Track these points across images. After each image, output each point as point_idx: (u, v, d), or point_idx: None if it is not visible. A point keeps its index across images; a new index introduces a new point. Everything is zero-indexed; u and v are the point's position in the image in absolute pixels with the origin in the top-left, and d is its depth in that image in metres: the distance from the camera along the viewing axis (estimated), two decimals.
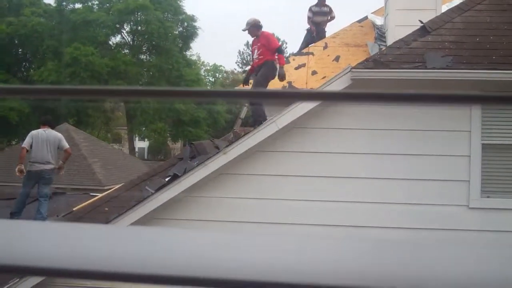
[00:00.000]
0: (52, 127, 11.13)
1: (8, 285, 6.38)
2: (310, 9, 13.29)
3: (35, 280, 6.27)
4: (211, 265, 0.59)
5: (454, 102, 0.63)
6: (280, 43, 9.03)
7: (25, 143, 10.43)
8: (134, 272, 0.58)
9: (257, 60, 9.18)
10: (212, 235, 0.66)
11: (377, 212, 6.33)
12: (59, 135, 10.75)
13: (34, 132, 10.53)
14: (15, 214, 10.06)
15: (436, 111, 6.40)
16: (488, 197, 6.41)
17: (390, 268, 0.59)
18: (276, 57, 9.01)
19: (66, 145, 10.66)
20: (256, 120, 8.22)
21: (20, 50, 43.97)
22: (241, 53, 70.36)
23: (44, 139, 10.29)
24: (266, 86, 8.90)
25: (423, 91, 0.63)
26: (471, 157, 6.40)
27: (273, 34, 9.37)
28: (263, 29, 9.38)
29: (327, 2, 13.40)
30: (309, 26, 13.23)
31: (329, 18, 13.36)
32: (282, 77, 9.10)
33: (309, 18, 13.20)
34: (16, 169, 10.35)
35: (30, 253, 0.60)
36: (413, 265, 0.60)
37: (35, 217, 9.88)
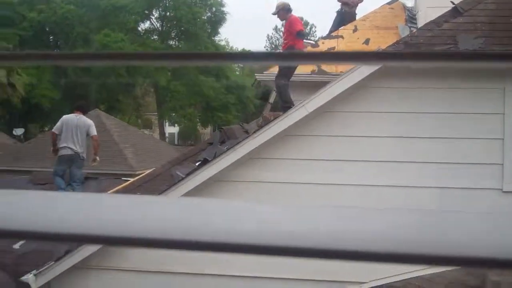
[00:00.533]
0: (85, 113, 11.34)
1: (71, 252, 6.53)
2: None
3: (93, 248, 6.43)
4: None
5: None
6: (303, 27, 8.69)
7: (55, 128, 10.66)
8: (190, 240, 0.59)
9: (283, 45, 9.10)
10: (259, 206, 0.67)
11: (408, 196, 6.29)
12: (90, 121, 10.97)
13: (65, 117, 10.75)
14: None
15: (468, 93, 6.31)
16: None
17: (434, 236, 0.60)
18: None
19: (94, 132, 10.83)
20: (283, 106, 8.21)
21: (51, 37, 44.52)
22: (269, 37, 70.21)
23: (75, 125, 10.47)
24: (289, 73, 8.75)
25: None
26: (505, 140, 6.30)
27: (299, 18, 9.12)
28: (292, 13, 9.25)
29: None
30: (339, 8, 13.10)
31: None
32: None
33: None
34: (51, 151, 10.66)
35: (88, 222, 0.62)
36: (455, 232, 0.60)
37: None
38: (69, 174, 10.57)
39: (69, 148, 10.30)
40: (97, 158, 11.07)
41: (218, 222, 0.61)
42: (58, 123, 10.62)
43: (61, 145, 10.42)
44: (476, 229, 0.61)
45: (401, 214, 0.68)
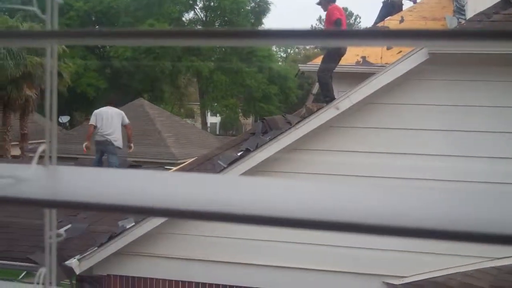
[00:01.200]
0: (116, 106, 12.02)
1: (120, 233, 6.70)
2: None
3: (135, 235, 6.63)
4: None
5: None
6: (343, 15, 8.38)
7: (91, 121, 11.40)
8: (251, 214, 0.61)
9: None
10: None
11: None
12: (121, 111, 11.67)
13: (97, 110, 11.51)
14: None
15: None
16: None
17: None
18: None
19: (127, 121, 11.54)
20: (324, 99, 8.12)
21: (96, 26, 45.14)
22: (313, 27, 69.71)
23: (108, 115, 11.19)
24: (332, 64, 8.59)
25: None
26: None
27: (341, 8, 8.87)
28: (336, 3, 9.09)
29: None
30: None
31: None
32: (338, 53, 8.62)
33: None
34: (84, 146, 11.42)
35: (150, 195, 0.65)
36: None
37: None
38: (107, 162, 11.18)
39: (103, 133, 10.97)
40: (132, 145, 11.83)
41: (266, 198, 0.64)
42: (92, 117, 11.40)
43: (97, 133, 11.12)
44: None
45: (446, 192, 0.71)
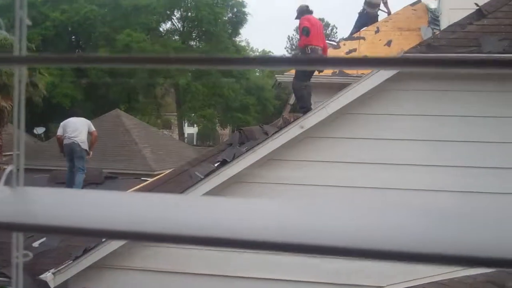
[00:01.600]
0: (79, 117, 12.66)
1: (95, 246, 6.61)
2: None
3: (110, 248, 6.55)
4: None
5: None
6: (310, 24, 8.46)
7: (58, 132, 12.14)
8: (202, 236, 0.61)
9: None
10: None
11: (430, 201, 6.20)
12: (87, 120, 12.37)
13: (63, 122, 12.23)
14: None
15: (491, 95, 6.21)
16: None
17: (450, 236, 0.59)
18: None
19: (93, 128, 12.18)
20: (300, 109, 8.17)
21: (73, 37, 44.94)
22: (290, 38, 70.08)
23: (72, 122, 11.97)
24: (305, 76, 8.67)
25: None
26: None
27: (309, 18, 8.90)
28: (311, 14, 9.17)
29: None
30: (362, 8, 13.03)
31: (384, 4, 13.10)
32: None
33: None
34: (60, 152, 12.16)
35: (108, 218, 0.65)
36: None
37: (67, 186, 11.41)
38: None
39: (68, 138, 11.68)
40: (91, 152, 12.30)
41: (233, 220, 0.63)
42: (59, 128, 12.17)
43: (65, 136, 11.79)
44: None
45: (413, 213, 0.68)
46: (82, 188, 11.72)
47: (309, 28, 8.55)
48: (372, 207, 0.67)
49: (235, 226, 0.60)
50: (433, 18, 10.72)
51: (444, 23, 8.59)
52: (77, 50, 46.22)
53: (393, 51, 8.84)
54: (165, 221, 0.62)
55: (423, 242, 0.58)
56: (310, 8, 9.21)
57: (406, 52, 6.29)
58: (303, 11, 9.11)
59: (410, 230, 0.61)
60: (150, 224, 0.62)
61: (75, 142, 11.56)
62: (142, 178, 14.63)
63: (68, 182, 11.58)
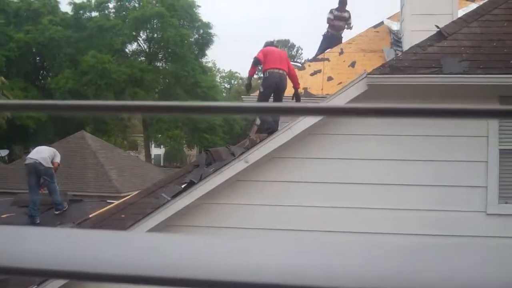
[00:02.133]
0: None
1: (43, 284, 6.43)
2: (331, 11, 13.33)
3: (56, 283, 6.33)
4: (221, 269, 0.60)
5: (468, 116, 0.62)
6: (257, 57, 9.45)
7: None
8: (147, 275, 0.60)
9: None
10: (224, 240, 0.67)
11: (393, 219, 6.29)
12: (55, 150, 12.23)
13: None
14: (30, 212, 11.35)
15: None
16: (506, 203, 6.34)
17: (398, 273, 0.59)
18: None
19: (56, 160, 11.96)
20: (267, 129, 8.27)
21: (38, 58, 44.41)
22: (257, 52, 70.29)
23: (39, 147, 12.17)
24: (265, 98, 9.11)
25: (434, 104, 0.62)
26: (489, 163, 6.35)
27: (264, 50, 9.51)
28: (271, 46, 9.73)
29: (347, 8, 13.48)
30: (326, 30, 13.26)
31: (347, 24, 13.37)
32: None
33: (329, 19, 13.22)
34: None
35: (49, 257, 0.63)
36: (423, 270, 0.59)
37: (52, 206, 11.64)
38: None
39: (30, 158, 11.76)
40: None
41: (183, 258, 0.62)
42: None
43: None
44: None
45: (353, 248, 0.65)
46: (47, 210, 11.58)
47: (258, 58, 9.30)
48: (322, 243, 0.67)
49: (176, 264, 0.60)
50: (396, 39, 10.92)
51: (406, 45, 8.76)
52: (42, 71, 45.72)
53: (357, 72, 8.97)
54: (99, 259, 0.62)
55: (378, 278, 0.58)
56: (275, 42, 10.15)
57: (369, 73, 6.40)
58: (265, 45, 9.76)
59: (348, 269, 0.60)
60: (86, 262, 0.61)
61: (37, 161, 11.44)
62: (108, 201, 14.45)
63: (31, 205, 11.37)
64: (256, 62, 9.48)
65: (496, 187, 6.33)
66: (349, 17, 13.44)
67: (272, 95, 9.09)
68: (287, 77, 9.16)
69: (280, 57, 9.31)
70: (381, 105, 0.62)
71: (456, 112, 0.60)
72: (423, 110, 0.62)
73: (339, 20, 13.27)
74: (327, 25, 13.26)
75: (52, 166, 11.63)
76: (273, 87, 9.08)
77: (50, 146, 12.78)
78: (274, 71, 9.06)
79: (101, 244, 0.66)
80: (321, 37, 13.37)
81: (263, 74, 9.27)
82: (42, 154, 11.68)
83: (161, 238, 0.69)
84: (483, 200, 6.33)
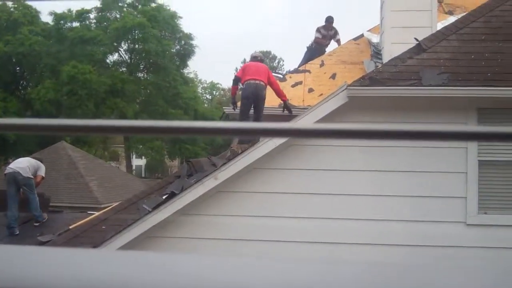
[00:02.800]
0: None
1: None
2: (318, 30, 13.57)
3: None
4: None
5: (448, 138, 0.64)
6: (237, 75, 10.13)
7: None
8: None
9: None
10: (201, 258, 0.68)
11: (373, 229, 6.32)
12: (39, 164, 12.05)
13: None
14: (9, 224, 11.19)
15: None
16: (485, 213, 6.41)
17: None
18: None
19: (40, 173, 11.88)
20: (248, 142, 8.32)
21: (17, 68, 44.03)
22: (238, 70, 70.55)
23: (21, 159, 12.20)
24: (245, 116, 9.39)
25: (416, 126, 0.64)
26: (468, 173, 6.42)
27: (243, 66, 10.13)
28: (257, 60, 10.05)
29: (334, 24, 13.73)
30: (311, 42, 13.47)
31: (336, 41, 13.59)
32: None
33: (317, 38, 13.45)
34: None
35: (23, 277, 0.62)
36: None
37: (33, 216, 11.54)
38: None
39: (9, 168, 11.75)
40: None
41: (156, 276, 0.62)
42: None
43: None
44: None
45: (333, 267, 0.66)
46: (26, 222, 11.46)
47: (236, 76, 9.90)
48: (301, 261, 0.67)
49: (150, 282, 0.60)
50: (376, 52, 11.02)
51: (386, 57, 8.84)
52: (22, 82, 45.34)
53: (338, 84, 9.04)
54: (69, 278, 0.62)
55: None
56: (259, 58, 10.29)
57: (350, 85, 6.45)
58: (250, 59, 10.22)
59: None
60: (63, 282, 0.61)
61: (16, 171, 11.37)
62: (89, 212, 14.35)
63: (10, 216, 11.22)
64: (235, 80, 9.97)
65: (475, 198, 6.40)
66: (335, 33, 13.66)
67: (252, 105, 9.27)
68: (266, 87, 9.50)
69: (257, 69, 9.54)
70: (351, 126, 0.63)
71: (429, 134, 0.62)
72: (391, 132, 0.63)
73: (327, 39, 13.56)
74: (314, 39, 13.52)
75: (31, 177, 11.48)
76: (250, 97, 9.36)
77: (31, 157, 12.76)
78: (250, 81, 9.41)
79: (69, 263, 0.66)
80: (305, 49, 13.53)
81: (242, 86, 9.61)
82: (21, 164, 11.60)
83: (134, 255, 0.69)
84: (462, 210, 6.39)
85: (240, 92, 9.80)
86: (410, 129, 0.63)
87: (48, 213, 12.30)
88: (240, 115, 9.51)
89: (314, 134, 0.63)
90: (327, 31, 13.60)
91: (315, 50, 13.16)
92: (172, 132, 0.69)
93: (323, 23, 13.82)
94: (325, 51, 13.21)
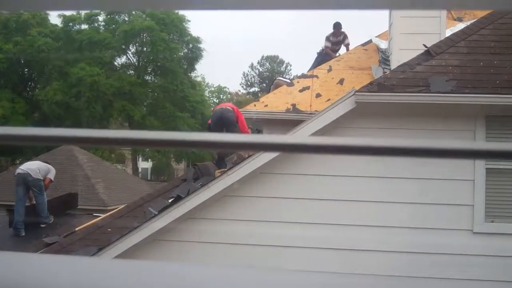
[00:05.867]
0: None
1: None
2: (327, 39, 13.59)
3: None
4: None
5: (453, 156, 0.64)
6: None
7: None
8: None
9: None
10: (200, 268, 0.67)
11: (378, 236, 6.30)
12: (51, 167, 12.28)
13: None
14: (16, 224, 11.31)
15: (439, 134, 6.40)
16: (492, 221, 6.38)
17: None
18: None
19: (50, 176, 12.06)
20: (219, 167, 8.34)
21: (26, 69, 44.22)
22: (245, 74, 70.76)
23: (34, 161, 12.46)
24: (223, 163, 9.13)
25: (421, 142, 0.63)
26: (475, 181, 6.39)
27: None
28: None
29: (342, 29, 13.74)
30: (321, 48, 13.51)
31: (345, 46, 13.61)
32: None
33: (327, 47, 13.47)
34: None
35: (21, 285, 0.62)
36: None
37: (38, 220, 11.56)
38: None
39: (20, 169, 11.92)
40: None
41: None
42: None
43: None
44: None
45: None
46: (31, 224, 11.51)
47: (208, 123, 10.21)
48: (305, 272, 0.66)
49: None
50: (384, 58, 11.00)
51: (394, 63, 8.82)
52: (30, 83, 45.52)
53: (346, 90, 9.04)
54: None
55: None
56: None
57: (357, 91, 6.44)
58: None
59: None
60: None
61: (26, 172, 11.58)
62: (95, 214, 14.36)
63: (17, 217, 11.29)
64: (208, 128, 10.02)
65: (482, 206, 6.37)
66: (344, 37, 13.67)
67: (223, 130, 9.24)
68: (237, 116, 9.59)
69: (224, 104, 10.26)
70: (358, 142, 0.63)
71: (435, 151, 0.61)
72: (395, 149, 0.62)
73: (336, 45, 13.59)
74: (323, 45, 13.57)
75: (41, 179, 11.60)
76: (218, 122, 9.47)
77: (38, 159, 13.18)
78: (216, 109, 9.92)
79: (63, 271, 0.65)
80: (314, 53, 13.63)
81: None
82: (32, 166, 11.88)
83: (132, 264, 0.68)
84: (469, 218, 6.36)
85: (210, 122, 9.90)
86: (417, 146, 0.62)
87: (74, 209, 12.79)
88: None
89: (320, 149, 0.63)
90: (336, 37, 13.62)
91: (325, 55, 13.20)
92: (175, 145, 0.68)
93: (331, 30, 13.84)
94: (335, 55, 13.26)
